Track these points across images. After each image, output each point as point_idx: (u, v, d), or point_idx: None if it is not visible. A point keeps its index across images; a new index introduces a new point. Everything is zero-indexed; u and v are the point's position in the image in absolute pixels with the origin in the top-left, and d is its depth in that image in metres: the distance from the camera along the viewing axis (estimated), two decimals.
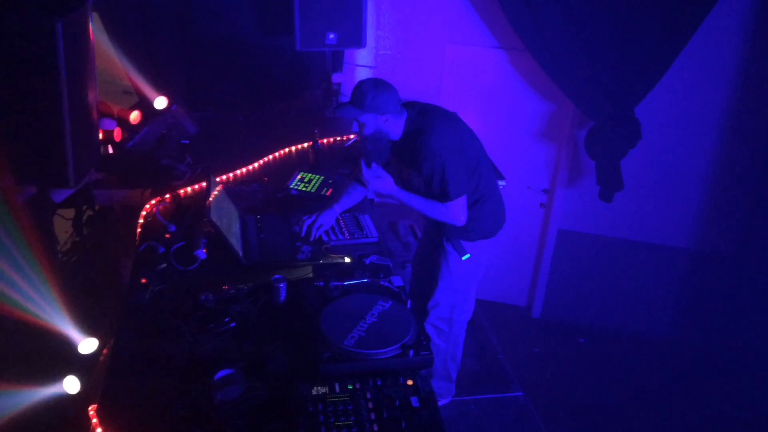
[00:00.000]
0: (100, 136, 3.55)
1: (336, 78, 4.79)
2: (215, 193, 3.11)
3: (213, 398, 2.19)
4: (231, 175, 3.85)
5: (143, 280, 2.83)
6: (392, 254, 3.44)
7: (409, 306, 2.58)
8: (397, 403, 2.16)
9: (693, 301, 5.33)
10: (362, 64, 5.00)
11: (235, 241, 3.03)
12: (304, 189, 3.71)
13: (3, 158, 2.66)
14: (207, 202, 2.97)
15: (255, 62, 4.71)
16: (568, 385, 4.89)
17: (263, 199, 3.63)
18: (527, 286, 5.72)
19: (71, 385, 2.87)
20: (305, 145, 4.19)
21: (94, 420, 2.18)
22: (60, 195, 3.40)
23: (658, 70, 4.38)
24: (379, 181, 3.03)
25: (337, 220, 3.33)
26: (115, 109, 3.90)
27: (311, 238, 3.19)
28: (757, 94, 4.67)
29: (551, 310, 5.65)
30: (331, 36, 4.29)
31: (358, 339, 2.34)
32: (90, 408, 2.24)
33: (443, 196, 2.98)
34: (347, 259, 3.06)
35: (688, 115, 4.84)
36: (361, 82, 2.97)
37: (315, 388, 2.19)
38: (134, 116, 3.91)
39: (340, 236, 3.25)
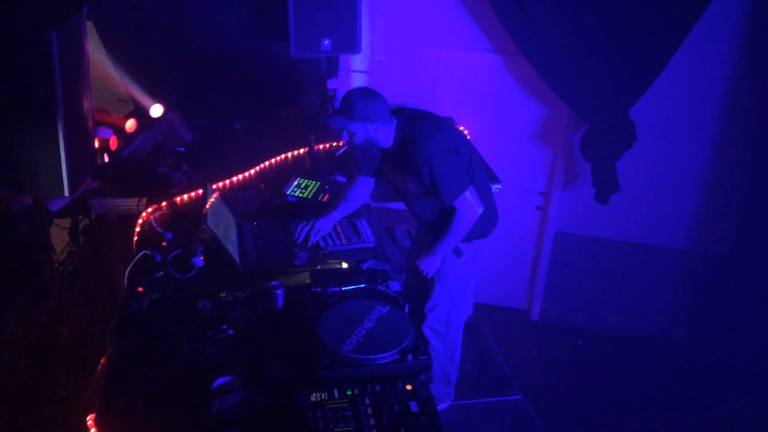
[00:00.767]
0: (96, 144, 3.55)
1: (331, 84, 4.79)
2: (212, 200, 3.11)
3: (211, 406, 2.19)
4: (227, 182, 3.84)
5: (140, 289, 2.82)
6: (389, 259, 3.44)
7: (407, 311, 2.58)
8: (397, 408, 2.15)
9: (691, 301, 5.34)
10: (357, 69, 5.01)
11: (233, 248, 3.02)
12: (300, 195, 3.71)
13: None
14: (204, 210, 2.96)
15: (250, 69, 4.71)
16: (567, 388, 4.89)
17: (260, 206, 3.62)
18: (525, 289, 5.72)
19: None
20: (301, 151, 4.19)
21: (93, 429, 2.18)
22: (56, 204, 3.39)
23: (653, 72, 4.40)
24: (429, 263, 3.18)
25: (334, 225, 3.33)
26: (111, 118, 3.90)
27: (308, 244, 3.19)
28: (752, 93, 4.69)
29: (550, 313, 5.65)
30: (326, 42, 4.29)
31: (356, 344, 2.33)
32: (88, 417, 2.24)
33: (451, 196, 3.00)
34: (344, 265, 3.06)
35: (683, 116, 4.86)
36: (350, 92, 2.98)
37: (314, 394, 2.19)
38: (130, 124, 3.91)
39: (337, 241, 3.24)
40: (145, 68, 4.58)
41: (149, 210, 3.47)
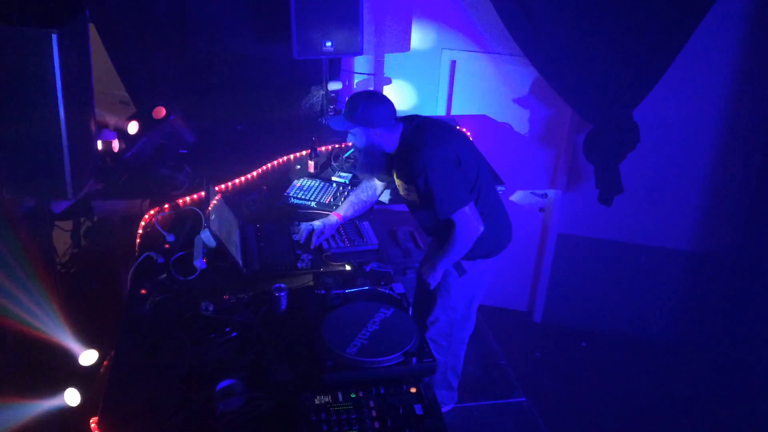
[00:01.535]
0: (99, 146, 3.55)
1: (333, 86, 4.78)
2: (214, 202, 3.10)
3: (214, 409, 2.18)
4: (230, 184, 3.84)
5: (143, 291, 2.81)
6: (392, 261, 3.42)
7: (410, 313, 2.57)
8: (401, 411, 2.15)
9: (694, 303, 5.32)
10: (360, 71, 5.01)
11: (235, 251, 3.02)
12: (303, 197, 3.70)
13: (1, 171, 2.66)
14: (206, 212, 2.96)
15: (252, 71, 4.71)
16: (570, 390, 4.87)
17: (262, 208, 3.62)
18: (528, 290, 5.71)
19: (72, 397, 2.86)
20: (304, 153, 4.18)
21: None
22: (59, 206, 3.39)
23: (656, 73, 4.38)
24: (430, 276, 3.16)
25: (337, 228, 3.32)
26: (113, 120, 3.90)
27: (311, 247, 3.18)
28: (756, 95, 4.67)
29: (552, 315, 5.64)
30: (328, 44, 4.29)
31: (360, 347, 2.32)
32: (91, 420, 2.23)
33: (447, 210, 2.89)
34: (348, 267, 3.05)
35: (687, 117, 4.84)
36: (354, 95, 2.96)
37: (318, 397, 2.18)
38: (132, 127, 3.91)
39: (341, 244, 3.24)
40: (147, 70, 4.58)
41: (152, 212, 3.46)
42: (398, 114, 3.04)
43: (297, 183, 3.82)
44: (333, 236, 3.28)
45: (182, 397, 2.27)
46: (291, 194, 3.72)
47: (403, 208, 3.35)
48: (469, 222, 2.92)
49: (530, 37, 4.43)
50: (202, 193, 3.53)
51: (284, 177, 3.95)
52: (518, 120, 5.14)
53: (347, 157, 4.03)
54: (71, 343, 2.96)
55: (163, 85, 4.62)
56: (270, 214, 3.55)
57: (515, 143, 5.20)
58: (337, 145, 4.25)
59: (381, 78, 4.93)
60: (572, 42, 4.38)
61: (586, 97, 4.56)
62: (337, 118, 2.98)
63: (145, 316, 2.68)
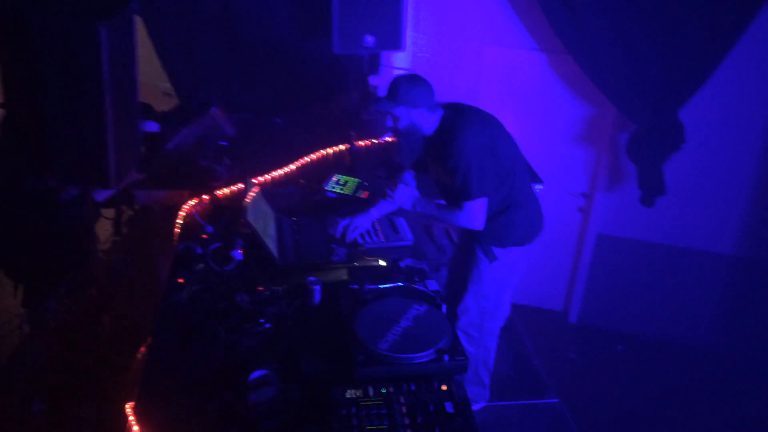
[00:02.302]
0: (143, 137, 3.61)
1: (373, 81, 4.78)
2: (252, 194, 3.13)
3: (247, 399, 2.21)
4: (268, 176, 3.87)
5: (181, 280, 2.86)
6: (427, 257, 3.41)
7: (444, 310, 2.56)
8: (432, 408, 2.14)
9: (736, 309, 5.18)
10: (399, 66, 4.99)
11: (271, 243, 3.04)
12: (340, 191, 3.72)
13: (47, 159, 2.73)
14: (244, 204, 2.99)
15: (293, 65, 4.74)
16: (604, 393, 4.80)
17: (299, 201, 3.64)
18: (564, 290, 5.64)
19: None
20: (342, 147, 4.20)
21: (131, 417, 2.22)
22: (102, 195, 3.47)
23: (704, 73, 4.27)
24: (405, 191, 3.13)
25: (372, 223, 3.32)
26: (157, 111, 3.97)
27: (347, 241, 3.19)
28: None
29: (589, 316, 5.56)
30: (369, 38, 4.28)
31: (392, 343, 2.32)
32: (126, 405, 2.28)
33: (463, 195, 2.96)
34: (382, 262, 3.05)
35: (734, 118, 4.71)
36: (397, 77, 3.01)
37: (349, 391, 2.19)
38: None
39: (375, 239, 3.24)
40: (190, 63, 4.64)
41: (191, 203, 3.51)
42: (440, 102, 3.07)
43: (334, 177, 3.84)
44: (368, 231, 3.28)
45: (216, 385, 2.30)
46: (328, 188, 3.73)
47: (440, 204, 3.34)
48: (475, 214, 3.00)
49: (574, 34, 4.36)
50: (241, 185, 3.58)
51: (322, 171, 3.96)
52: (558, 118, 5.07)
53: (382, 149, 4.01)
54: None
55: (205, 77, 4.68)
56: (306, 207, 3.57)
57: (555, 142, 5.13)
58: (375, 141, 4.26)
59: (419, 73, 4.91)
60: (618, 39, 4.30)
61: (631, 96, 4.47)
62: (379, 101, 3.02)
63: (182, 304, 2.72)
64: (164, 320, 2.66)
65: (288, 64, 4.74)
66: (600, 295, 5.47)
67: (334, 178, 3.83)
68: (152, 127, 3.76)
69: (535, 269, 5.33)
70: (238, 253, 2.99)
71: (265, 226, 3.11)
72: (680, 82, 4.35)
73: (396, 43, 4.36)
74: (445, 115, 3.02)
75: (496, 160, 2.99)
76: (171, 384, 2.32)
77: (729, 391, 4.84)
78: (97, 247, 3.52)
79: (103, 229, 3.86)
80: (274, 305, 2.70)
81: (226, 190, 3.65)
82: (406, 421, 2.09)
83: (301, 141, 4.32)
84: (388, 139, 4.28)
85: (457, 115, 3.01)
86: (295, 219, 3.39)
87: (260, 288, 2.80)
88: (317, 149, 4.19)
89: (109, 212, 3.94)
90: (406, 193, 3.20)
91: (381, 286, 2.69)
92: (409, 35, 4.69)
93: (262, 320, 2.59)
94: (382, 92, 4.57)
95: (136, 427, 2.16)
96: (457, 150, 2.89)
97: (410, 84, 2.95)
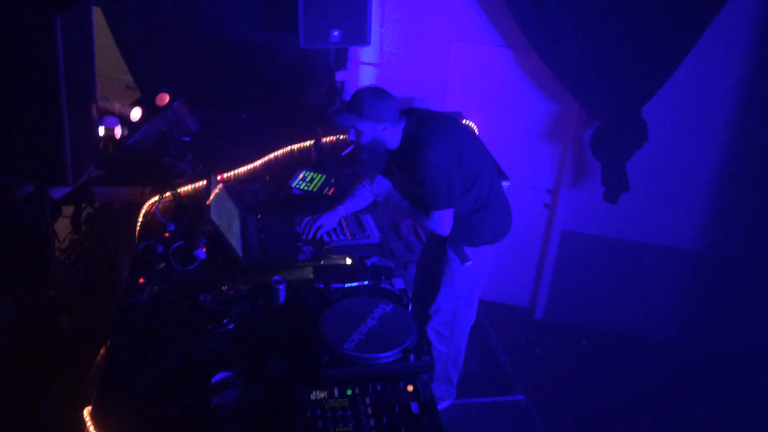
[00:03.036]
0: (102, 133, 3.52)
1: (340, 76, 4.74)
2: (216, 191, 3.07)
3: (209, 402, 2.16)
4: (232, 173, 3.81)
5: (141, 280, 2.80)
6: (394, 255, 3.40)
7: (410, 309, 2.54)
8: (397, 409, 2.13)
9: (698, 303, 5.28)
10: (367, 61, 4.96)
11: (235, 241, 2.99)
12: (306, 188, 3.67)
13: (1, 155, 2.63)
14: (207, 201, 2.93)
15: (258, 60, 4.67)
16: (570, 388, 4.85)
17: (264, 199, 3.59)
18: (530, 286, 5.68)
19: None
20: (308, 143, 4.15)
21: (89, 422, 2.15)
22: (59, 192, 3.37)
23: (666, 71, 4.33)
24: (382, 183, 3.11)
25: (339, 220, 3.29)
26: (117, 106, 3.86)
27: (308, 237, 3.15)
28: (764, 95, 4.61)
29: (554, 312, 5.61)
30: (336, 33, 4.24)
31: (358, 343, 2.30)
32: (85, 409, 2.21)
33: (430, 205, 2.95)
34: (348, 261, 3.02)
35: (695, 115, 4.79)
36: (360, 90, 2.93)
37: (313, 392, 2.16)
38: (135, 113, 3.87)
39: (342, 237, 3.21)
40: (152, 56, 4.54)
41: (153, 200, 3.44)
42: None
43: (301, 174, 3.79)
44: (335, 229, 3.25)
45: (177, 389, 2.26)
46: (294, 185, 3.69)
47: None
48: (442, 223, 3.02)
49: (539, 30, 4.38)
50: (204, 182, 3.51)
51: (288, 167, 3.91)
52: (525, 114, 5.10)
53: (346, 155, 3.99)
54: None
55: (168, 71, 4.58)
56: (272, 204, 3.53)
57: (521, 138, 5.16)
58: (341, 137, 4.22)
59: (387, 68, 4.89)
60: (582, 36, 4.33)
61: (595, 93, 4.51)
62: (342, 114, 2.94)
63: (142, 305, 2.67)
64: (124, 321, 2.60)
65: (254, 59, 4.66)
66: (565, 290, 5.52)
67: (301, 175, 3.78)
68: (112, 122, 3.67)
69: (501, 265, 5.32)
70: (201, 252, 2.93)
71: (229, 224, 3.06)
72: (643, 80, 4.41)
73: (362, 38, 4.33)
74: (409, 125, 2.95)
75: (463, 169, 2.97)
76: (130, 387, 2.27)
77: (692, 385, 4.94)
78: (55, 246, 3.42)
79: (62, 227, 3.75)
80: (238, 305, 2.65)
81: (189, 187, 3.58)
82: (372, 422, 2.08)
83: (267, 137, 4.27)
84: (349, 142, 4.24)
85: (421, 127, 2.94)
86: (260, 216, 3.34)
87: (224, 287, 2.76)
88: (283, 145, 4.14)
89: (68, 209, 3.84)
90: (383, 185, 3.17)
91: (347, 285, 2.67)
92: (375, 30, 4.65)
93: (225, 321, 2.55)
94: (350, 90, 4.56)
95: None
96: (423, 165, 2.85)
97: (375, 98, 2.86)
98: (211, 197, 2.96)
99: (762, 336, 4.76)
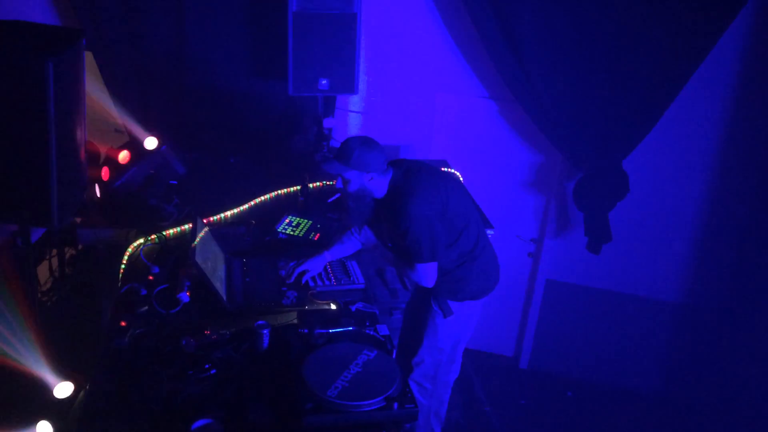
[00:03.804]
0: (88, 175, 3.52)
1: (327, 123, 4.80)
2: (201, 234, 3.07)
3: None
4: (218, 216, 3.81)
5: (123, 323, 2.76)
6: (379, 301, 3.40)
7: (394, 356, 2.53)
8: None
9: (681, 355, 5.29)
10: (354, 110, 5.04)
11: (220, 285, 2.98)
12: (292, 233, 3.68)
13: None
14: (192, 244, 2.93)
15: (247, 106, 4.72)
16: None
17: (250, 243, 3.59)
18: (515, 335, 5.66)
19: (44, 430, 2.78)
20: (295, 188, 4.18)
21: None
22: (35, 234, 3.34)
23: (647, 124, 4.43)
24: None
25: (324, 266, 3.29)
26: (104, 148, 3.88)
27: (290, 282, 3.14)
28: (745, 148, 4.73)
29: (539, 361, 5.58)
30: (324, 82, 4.31)
31: (341, 390, 2.28)
32: None
33: (414, 257, 2.95)
34: (333, 306, 3.02)
35: (676, 168, 4.88)
36: (349, 139, 2.96)
37: None
38: (123, 156, 3.89)
39: (327, 282, 3.21)
40: (141, 101, 4.58)
41: (138, 242, 3.42)
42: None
43: (287, 219, 3.81)
44: (320, 274, 3.25)
45: None
46: (280, 229, 3.70)
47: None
48: (426, 276, 3.01)
49: (523, 83, 4.48)
50: (190, 225, 3.51)
51: (274, 212, 3.92)
52: (509, 164, 5.17)
53: (332, 202, 4.02)
54: (47, 374, 2.89)
55: (157, 115, 4.62)
56: (258, 248, 3.52)
57: (505, 187, 5.22)
58: (328, 182, 4.25)
59: (373, 116, 4.96)
60: (565, 89, 4.43)
61: (577, 144, 4.59)
62: (331, 162, 2.97)
63: (123, 349, 2.63)
64: (104, 366, 2.56)
65: (242, 105, 4.72)
66: (550, 340, 5.51)
67: (287, 220, 3.79)
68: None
69: (485, 314, 5.33)
70: (185, 295, 2.92)
71: (214, 268, 3.05)
72: (625, 132, 4.50)
73: (350, 87, 4.40)
74: (395, 176, 2.98)
75: (447, 223, 2.98)
76: None
77: None
78: (37, 288, 3.37)
79: (44, 269, 3.71)
80: (221, 350, 2.63)
81: (174, 230, 3.58)
82: None
83: (254, 181, 4.28)
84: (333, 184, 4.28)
85: (407, 178, 2.96)
86: (245, 260, 3.34)
87: (207, 332, 2.73)
88: (270, 190, 4.16)
89: (51, 252, 3.80)
90: (370, 234, 3.20)
91: (331, 331, 2.66)
92: (362, 79, 4.74)
93: (207, 365, 2.52)
94: (338, 137, 4.61)
95: None
96: (407, 218, 2.86)
97: (363, 148, 2.89)
98: (197, 240, 2.96)
99: (745, 387, 4.75)
